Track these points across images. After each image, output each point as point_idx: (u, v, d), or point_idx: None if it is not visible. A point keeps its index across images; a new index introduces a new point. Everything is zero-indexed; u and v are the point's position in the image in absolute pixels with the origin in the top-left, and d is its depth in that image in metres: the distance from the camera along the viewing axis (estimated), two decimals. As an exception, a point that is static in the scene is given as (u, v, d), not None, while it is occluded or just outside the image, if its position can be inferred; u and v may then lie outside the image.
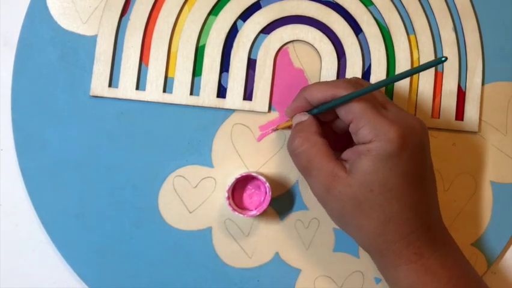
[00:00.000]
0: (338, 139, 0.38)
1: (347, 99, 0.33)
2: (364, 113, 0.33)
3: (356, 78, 0.37)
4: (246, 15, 0.41)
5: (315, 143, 0.35)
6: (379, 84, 0.33)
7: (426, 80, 0.41)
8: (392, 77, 0.34)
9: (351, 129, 0.34)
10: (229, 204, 0.39)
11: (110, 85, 0.41)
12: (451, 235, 0.36)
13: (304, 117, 0.36)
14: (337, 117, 0.36)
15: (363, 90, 0.33)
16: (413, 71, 0.33)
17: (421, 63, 0.42)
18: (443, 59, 0.30)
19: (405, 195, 0.33)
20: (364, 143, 0.33)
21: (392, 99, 0.41)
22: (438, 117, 0.41)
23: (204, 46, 0.41)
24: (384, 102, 0.35)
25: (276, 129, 0.41)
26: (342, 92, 0.34)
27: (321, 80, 0.41)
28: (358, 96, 0.33)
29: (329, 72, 0.41)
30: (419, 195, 0.34)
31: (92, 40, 0.41)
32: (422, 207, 0.34)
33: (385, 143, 0.32)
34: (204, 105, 0.41)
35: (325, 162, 0.34)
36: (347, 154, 0.34)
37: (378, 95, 0.35)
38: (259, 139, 0.41)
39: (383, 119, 0.33)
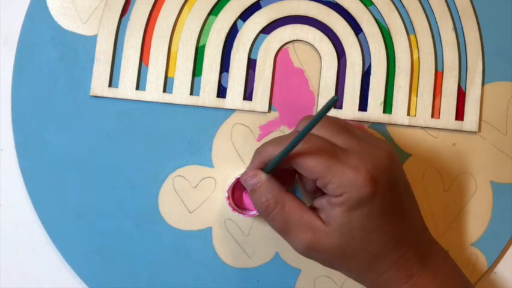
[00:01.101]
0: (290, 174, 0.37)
1: (288, 149, 0.32)
2: (326, 169, 0.31)
3: (303, 120, 0.35)
4: (246, 15, 0.41)
5: (285, 200, 0.33)
6: (305, 130, 0.31)
7: (426, 80, 0.41)
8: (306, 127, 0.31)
9: (318, 184, 0.33)
10: (229, 204, 0.39)
11: (110, 85, 0.41)
12: (437, 243, 0.36)
13: (257, 177, 0.34)
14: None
15: (295, 139, 0.31)
16: (317, 118, 0.31)
17: (421, 63, 0.42)
18: (335, 98, 0.28)
19: (387, 231, 0.33)
20: (335, 196, 0.32)
21: (392, 99, 0.41)
22: (439, 117, 0.41)
23: (204, 46, 0.41)
24: (346, 141, 0.33)
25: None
26: (280, 148, 0.32)
27: (321, 80, 0.41)
28: (296, 143, 0.31)
29: (329, 72, 0.41)
30: (401, 225, 0.33)
31: (92, 40, 0.41)
32: (406, 233, 0.34)
33: (356, 193, 0.31)
34: (204, 105, 0.41)
35: (301, 218, 0.33)
36: (320, 202, 0.33)
37: (334, 128, 0.34)
38: (259, 139, 0.41)
39: (347, 169, 0.31)
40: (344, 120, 0.35)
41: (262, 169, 0.34)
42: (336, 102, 0.28)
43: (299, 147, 0.32)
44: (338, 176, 0.31)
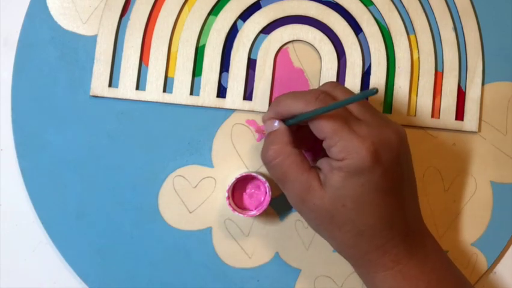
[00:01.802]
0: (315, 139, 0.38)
1: (314, 114, 0.33)
2: (334, 132, 0.32)
3: (330, 85, 0.36)
4: (246, 15, 0.41)
5: (289, 154, 0.34)
6: (338, 104, 0.32)
7: (426, 80, 0.41)
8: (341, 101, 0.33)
9: (324, 145, 0.33)
10: (229, 204, 0.39)
11: (110, 85, 0.41)
12: (432, 236, 0.36)
13: (275, 125, 0.35)
14: None
15: (325, 108, 0.32)
16: (350, 101, 0.32)
17: (421, 63, 0.42)
18: (374, 90, 0.29)
19: (379, 209, 0.33)
20: (337, 160, 0.32)
21: (392, 99, 0.41)
22: (439, 117, 0.41)
23: (204, 46, 0.41)
24: (363, 112, 0.34)
25: (261, 131, 0.41)
26: (311, 106, 0.33)
27: (321, 80, 0.41)
28: (324, 112, 0.32)
29: (329, 72, 0.41)
30: (395, 207, 0.34)
31: (92, 40, 0.41)
32: (399, 218, 0.34)
33: (356, 161, 0.32)
34: (204, 105, 0.41)
35: (299, 174, 0.33)
36: (322, 163, 0.34)
37: (354, 104, 0.34)
38: (259, 139, 0.41)
39: (354, 136, 0.32)
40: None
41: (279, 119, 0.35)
42: (376, 93, 0.30)
43: (315, 102, 0.33)
44: (344, 141, 0.32)
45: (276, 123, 0.35)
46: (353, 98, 0.32)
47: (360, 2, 0.42)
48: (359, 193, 0.32)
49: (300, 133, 0.36)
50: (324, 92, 0.34)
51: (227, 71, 0.41)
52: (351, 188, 0.32)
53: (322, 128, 0.33)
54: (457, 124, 0.41)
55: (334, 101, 0.34)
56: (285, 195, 0.35)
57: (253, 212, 0.39)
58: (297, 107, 0.34)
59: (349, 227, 0.33)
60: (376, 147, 0.32)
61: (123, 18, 0.41)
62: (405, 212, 0.34)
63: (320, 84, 0.41)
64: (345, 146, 0.32)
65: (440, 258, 0.35)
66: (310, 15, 0.41)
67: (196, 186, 0.41)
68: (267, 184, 0.39)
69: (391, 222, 0.33)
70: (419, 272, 0.34)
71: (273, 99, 0.41)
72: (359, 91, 0.41)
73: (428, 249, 0.35)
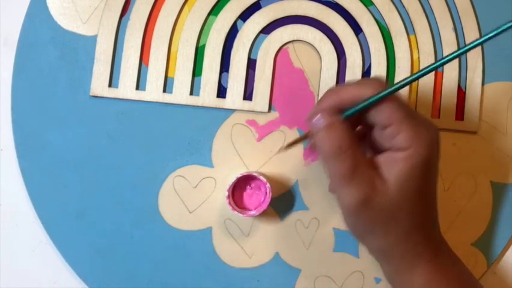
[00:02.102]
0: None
1: (379, 97, 0.31)
2: (400, 118, 0.31)
3: (375, 78, 0.35)
4: (246, 15, 0.41)
5: (357, 147, 0.32)
6: (412, 77, 0.31)
7: (426, 80, 0.41)
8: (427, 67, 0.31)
9: (388, 133, 0.32)
10: (229, 203, 0.39)
11: (110, 85, 0.41)
12: (443, 237, 0.36)
13: (332, 117, 0.32)
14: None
15: (395, 87, 0.31)
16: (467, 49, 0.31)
17: (421, 63, 0.42)
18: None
19: (431, 202, 0.33)
20: (400, 149, 0.31)
21: (392, 99, 0.41)
22: (438, 117, 0.41)
23: (204, 46, 0.41)
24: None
25: (289, 146, 0.36)
26: (369, 91, 0.31)
27: (321, 80, 0.41)
28: (389, 94, 0.31)
29: (329, 72, 0.41)
30: (433, 205, 0.34)
31: (92, 40, 0.41)
32: (434, 213, 0.34)
33: (423, 149, 0.31)
34: (204, 105, 0.41)
35: (366, 169, 0.32)
36: (381, 159, 0.32)
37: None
38: (259, 139, 0.41)
39: (420, 124, 0.31)
40: None
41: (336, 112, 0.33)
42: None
43: (383, 87, 0.31)
44: (410, 129, 0.31)
45: (335, 115, 0.32)
46: (417, 74, 0.31)
47: (360, 2, 0.42)
48: (421, 184, 0.32)
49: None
50: (382, 81, 0.33)
51: (227, 71, 0.41)
52: (415, 180, 0.31)
53: (390, 115, 0.31)
54: (457, 124, 0.41)
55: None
56: (338, 196, 0.32)
57: (253, 212, 0.39)
58: (365, 92, 0.32)
59: (407, 220, 0.32)
60: (437, 137, 0.32)
61: (123, 18, 0.41)
62: (435, 210, 0.35)
63: (320, 85, 0.41)
64: (411, 135, 0.31)
65: (458, 261, 0.36)
66: (310, 15, 0.41)
67: (196, 186, 0.41)
68: (267, 185, 0.39)
69: (433, 216, 0.34)
70: (452, 263, 0.34)
71: (273, 99, 0.41)
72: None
73: (448, 251, 0.35)
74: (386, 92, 0.31)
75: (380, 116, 0.32)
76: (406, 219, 0.32)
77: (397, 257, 0.34)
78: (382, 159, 0.32)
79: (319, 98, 0.41)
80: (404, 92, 0.41)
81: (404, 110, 0.32)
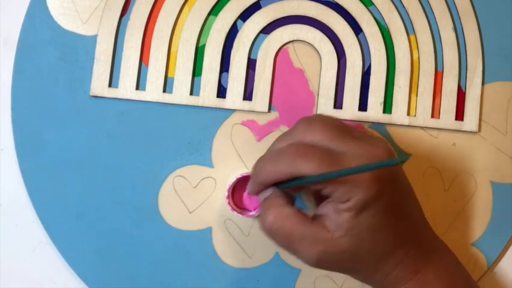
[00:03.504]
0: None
1: (312, 181, 0.31)
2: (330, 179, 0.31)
3: (303, 127, 0.33)
4: (246, 15, 0.41)
5: (287, 215, 0.32)
6: (334, 174, 0.30)
7: (426, 80, 0.41)
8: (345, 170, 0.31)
9: (324, 193, 0.32)
10: (229, 203, 0.39)
11: (110, 85, 0.41)
12: (439, 238, 0.36)
13: (267, 192, 0.34)
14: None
15: (325, 176, 0.31)
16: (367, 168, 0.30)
17: (421, 63, 0.42)
18: (406, 157, 0.27)
19: (392, 231, 0.33)
20: (342, 202, 0.31)
21: (392, 99, 0.41)
22: (439, 117, 0.41)
23: (204, 46, 0.41)
24: (344, 142, 0.32)
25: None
26: (296, 169, 0.31)
27: (321, 80, 0.41)
28: (319, 180, 0.31)
29: (329, 72, 0.41)
30: (404, 223, 0.34)
31: (92, 40, 0.41)
32: (410, 231, 0.34)
33: (362, 196, 0.31)
34: (204, 105, 0.41)
35: (304, 230, 0.32)
36: (324, 209, 0.32)
37: (333, 134, 0.32)
38: (259, 139, 0.41)
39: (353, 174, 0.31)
40: (340, 120, 0.34)
41: (263, 190, 0.34)
42: (403, 162, 0.28)
43: (299, 159, 0.31)
44: (343, 183, 0.31)
45: (269, 191, 0.34)
46: (370, 166, 0.30)
47: (360, 2, 0.42)
48: (372, 223, 0.32)
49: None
50: (297, 145, 0.32)
51: (227, 71, 0.41)
52: (364, 222, 0.32)
53: (316, 182, 0.32)
54: (457, 124, 0.41)
55: (314, 154, 0.31)
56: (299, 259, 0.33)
57: (252, 213, 0.39)
58: (281, 171, 0.32)
59: (370, 255, 0.33)
60: (375, 174, 0.31)
61: (123, 18, 0.41)
62: (414, 223, 0.34)
63: (320, 85, 0.41)
64: (346, 187, 0.31)
65: (451, 259, 0.36)
66: (310, 15, 0.41)
67: (196, 186, 0.41)
68: (267, 184, 0.39)
69: (404, 237, 0.33)
70: (435, 276, 0.34)
71: (273, 99, 0.41)
72: (358, 91, 0.41)
73: (440, 252, 0.35)
74: (316, 178, 0.31)
75: (309, 185, 0.32)
76: (369, 255, 0.33)
77: (377, 284, 0.35)
78: (328, 210, 0.32)
79: (318, 98, 0.41)
80: (404, 92, 0.41)
81: (327, 168, 0.30)
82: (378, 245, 0.33)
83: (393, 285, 0.34)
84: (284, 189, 0.34)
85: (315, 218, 0.33)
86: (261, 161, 0.34)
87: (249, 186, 0.35)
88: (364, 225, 0.32)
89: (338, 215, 0.32)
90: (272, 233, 0.33)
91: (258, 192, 0.35)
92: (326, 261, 0.33)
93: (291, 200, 0.34)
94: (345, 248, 0.32)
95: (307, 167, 0.31)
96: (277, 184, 0.34)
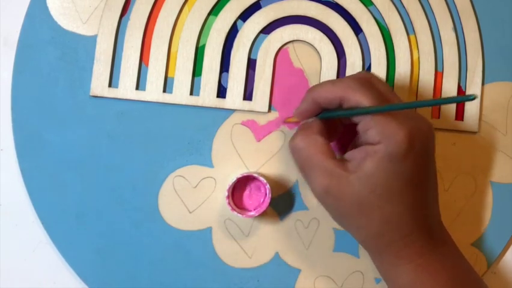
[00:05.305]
0: (344, 134, 0.38)
1: (358, 113, 0.33)
2: (373, 114, 0.32)
3: (365, 73, 0.36)
4: (246, 15, 0.41)
5: (315, 141, 0.34)
6: (394, 107, 0.32)
7: (426, 80, 0.41)
8: (414, 102, 0.32)
9: (359, 128, 0.33)
10: (229, 203, 0.39)
11: (110, 85, 0.41)
12: (449, 235, 0.36)
13: (310, 120, 0.36)
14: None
15: (376, 108, 0.32)
16: (440, 102, 0.32)
17: (421, 63, 0.42)
18: (471, 97, 0.28)
19: (407, 198, 0.33)
20: (371, 144, 0.32)
21: (392, 99, 0.41)
22: (438, 117, 0.41)
23: (204, 46, 0.41)
24: (393, 100, 0.34)
25: (286, 122, 0.41)
26: (351, 94, 0.33)
27: (321, 80, 0.41)
28: (369, 113, 0.32)
29: (329, 72, 0.41)
30: (421, 198, 0.34)
31: (92, 40, 0.41)
32: (423, 209, 0.34)
33: (392, 145, 0.31)
34: (204, 105, 0.41)
35: (324, 161, 0.33)
36: (352, 154, 0.33)
37: (386, 91, 0.34)
38: (259, 139, 0.41)
39: (391, 120, 0.32)
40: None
41: (316, 114, 0.36)
42: (472, 99, 0.28)
43: (357, 86, 0.33)
44: (381, 125, 0.32)
45: (311, 118, 0.36)
46: (444, 99, 0.32)
47: (360, 2, 0.42)
48: (390, 180, 0.32)
49: (330, 125, 0.36)
50: (363, 75, 0.35)
51: (227, 71, 0.41)
52: (383, 175, 0.32)
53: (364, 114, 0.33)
54: (457, 124, 0.41)
55: (377, 87, 0.34)
56: (308, 188, 0.35)
57: (252, 213, 0.39)
58: (335, 91, 0.34)
59: (376, 214, 0.33)
60: (412, 135, 0.32)
61: (123, 18, 0.41)
62: (428, 207, 0.34)
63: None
64: (382, 130, 0.32)
65: (459, 256, 0.36)
66: (310, 15, 0.41)
67: (196, 186, 0.41)
68: (267, 186, 0.39)
69: (417, 214, 0.33)
70: (441, 267, 0.34)
71: (273, 99, 0.41)
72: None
73: (448, 247, 0.35)
74: (360, 111, 0.32)
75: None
76: (376, 212, 0.33)
77: (376, 252, 0.35)
78: (354, 153, 0.33)
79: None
80: (404, 92, 0.41)
81: (375, 104, 0.32)
82: (388, 207, 0.32)
83: (393, 259, 0.34)
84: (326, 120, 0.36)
85: (340, 158, 0.34)
86: (319, 83, 0.36)
87: (300, 106, 0.36)
88: (381, 178, 0.32)
89: (362, 159, 0.32)
90: (295, 151, 0.35)
91: (305, 112, 0.36)
92: (331, 196, 0.33)
93: (326, 134, 0.35)
94: (355, 189, 0.32)
95: (360, 95, 0.32)
96: (322, 114, 0.35)
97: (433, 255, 0.34)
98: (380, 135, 0.32)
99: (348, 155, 0.34)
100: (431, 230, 0.34)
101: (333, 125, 0.37)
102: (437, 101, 0.32)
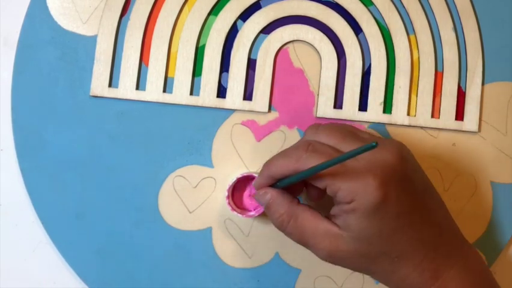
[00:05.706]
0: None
1: (309, 174, 0.32)
2: (334, 176, 0.31)
3: (311, 131, 0.35)
4: (246, 15, 0.41)
5: (297, 214, 0.33)
6: (325, 164, 0.31)
7: (426, 80, 0.41)
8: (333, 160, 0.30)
9: (328, 192, 0.32)
10: (228, 203, 0.39)
11: (110, 85, 0.41)
12: (468, 243, 0.35)
13: (267, 197, 0.34)
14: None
15: (318, 166, 0.31)
16: (346, 157, 0.30)
17: (421, 63, 0.42)
18: (373, 144, 0.27)
19: (406, 233, 0.32)
20: (346, 203, 0.31)
21: (392, 99, 0.41)
22: (438, 117, 0.41)
23: (204, 46, 0.41)
24: (349, 145, 0.33)
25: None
26: (303, 165, 0.32)
27: (321, 80, 0.41)
28: (319, 170, 0.31)
29: (329, 72, 0.41)
30: (422, 225, 0.32)
31: (92, 40, 0.41)
32: (428, 231, 0.33)
33: (367, 200, 0.30)
34: (204, 105, 0.41)
35: (315, 229, 0.33)
36: (336, 210, 0.33)
37: (341, 135, 0.33)
38: (259, 139, 0.41)
39: (355, 175, 0.31)
40: (351, 125, 0.36)
41: (273, 184, 0.35)
42: (374, 147, 0.27)
43: (309, 153, 0.32)
44: (347, 183, 0.31)
45: (268, 196, 0.34)
46: (349, 153, 0.30)
47: (360, 2, 0.42)
48: (382, 227, 0.31)
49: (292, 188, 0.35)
50: (310, 142, 0.33)
51: (227, 71, 0.41)
52: (373, 226, 0.31)
53: (320, 177, 0.32)
54: (457, 124, 0.41)
55: (324, 151, 0.32)
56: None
57: (252, 213, 0.39)
58: (289, 165, 0.33)
59: (383, 258, 0.32)
60: (381, 179, 0.30)
61: (123, 18, 0.41)
62: (435, 224, 0.33)
63: (320, 85, 0.41)
64: (349, 188, 0.31)
65: (477, 262, 0.34)
66: (310, 15, 0.41)
67: (196, 186, 0.41)
68: (267, 184, 0.39)
69: (422, 239, 0.32)
70: (460, 283, 0.32)
71: (273, 99, 0.41)
72: (358, 91, 0.41)
73: (466, 254, 0.34)
74: (311, 170, 0.31)
75: (313, 181, 0.33)
76: (381, 257, 0.32)
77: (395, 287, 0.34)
78: (336, 209, 0.32)
79: (318, 98, 0.41)
80: (404, 92, 0.41)
81: (334, 168, 0.31)
82: (391, 248, 0.32)
83: None
84: (287, 189, 0.35)
85: (327, 216, 0.33)
86: (273, 156, 0.35)
87: (256, 180, 0.36)
88: (373, 229, 0.31)
89: (346, 216, 0.32)
90: (287, 234, 0.34)
91: (263, 186, 0.35)
92: (337, 258, 0.33)
93: (297, 199, 0.34)
94: (354, 248, 0.32)
95: (314, 162, 0.31)
96: (279, 182, 0.34)
97: (450, 274, 0.32)
98: (351, 195, 0.31)
99: (333, 211, 0.33)
100: (443, 245, 0.33)
101: (294, 186, 0.36)
102: (342, 157, 0.30)
